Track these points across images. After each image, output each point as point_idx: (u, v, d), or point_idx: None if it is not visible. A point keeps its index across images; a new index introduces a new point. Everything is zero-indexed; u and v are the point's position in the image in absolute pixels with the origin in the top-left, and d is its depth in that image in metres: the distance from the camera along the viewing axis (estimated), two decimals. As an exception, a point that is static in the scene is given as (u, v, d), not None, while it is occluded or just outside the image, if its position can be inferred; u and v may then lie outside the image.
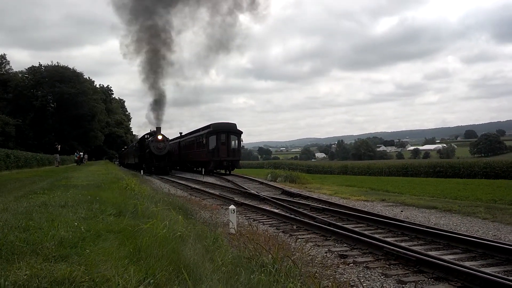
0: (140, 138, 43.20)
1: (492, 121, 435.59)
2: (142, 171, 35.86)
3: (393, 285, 5.52)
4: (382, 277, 5.84)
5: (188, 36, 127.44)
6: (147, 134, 41.33)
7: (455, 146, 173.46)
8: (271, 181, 24.96)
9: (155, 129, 38.68)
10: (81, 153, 50.58)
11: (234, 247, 6.15)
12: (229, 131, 32.18)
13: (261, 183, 22.75)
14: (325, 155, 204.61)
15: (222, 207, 13.34)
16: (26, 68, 64.47)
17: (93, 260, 3.81)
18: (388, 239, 7.74)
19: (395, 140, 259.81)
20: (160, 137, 36.38)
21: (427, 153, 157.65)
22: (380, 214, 11.08)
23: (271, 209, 12.36)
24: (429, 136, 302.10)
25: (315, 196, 16.03)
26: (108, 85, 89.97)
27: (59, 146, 39.04)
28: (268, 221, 10.65)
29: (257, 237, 6.98)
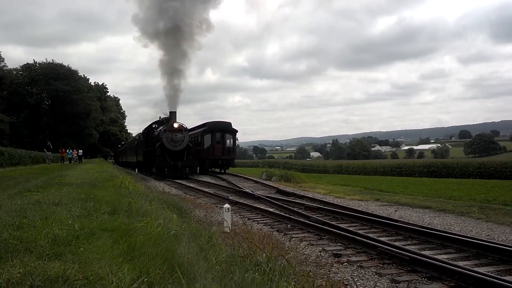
0: (145, 129, 31.90)
1: (487, 122, 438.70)
2: (136, 169, 33.04)
3: (387, 284, 5.54)
4: (376, 276, 5.87)
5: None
6: (154, 123, 31.69)
7: (450, 146, 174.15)
8: (266, 180, 24.98)
9: (165, 118, 30.07)
10: (80, 151, 49.13)
11: (228, 246, 6.15)
12: (224, 130, 32.13)
13: (256, 182, 22.76)
14: (320, 155, 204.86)
15: (216, 206, 13.33)
16: (21, 65, 64.13)
17: (87, 258, 3.80)
18: (382, 239, 7.76)
19: (390, 139, 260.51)
20: (176, 125, 26.53)
21: (421, 153, 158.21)
22: (374, 213, 11.11)
23: (266, 208, 12.37)
24: (424, 136, 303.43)
25: (309, 195, 16.06)
26: (103, 83, 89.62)
27: (50, 143, 38.37)
28: (263, 220, 10.66)
29: (251, 236, 6.99)
